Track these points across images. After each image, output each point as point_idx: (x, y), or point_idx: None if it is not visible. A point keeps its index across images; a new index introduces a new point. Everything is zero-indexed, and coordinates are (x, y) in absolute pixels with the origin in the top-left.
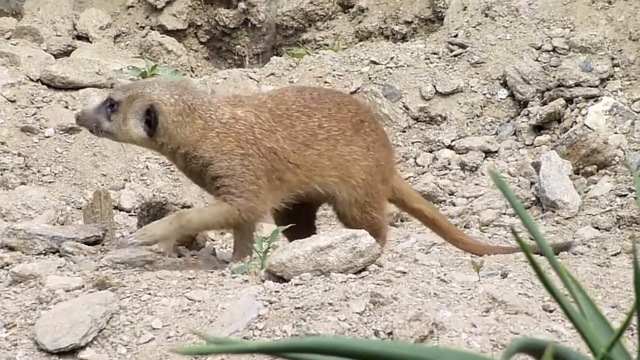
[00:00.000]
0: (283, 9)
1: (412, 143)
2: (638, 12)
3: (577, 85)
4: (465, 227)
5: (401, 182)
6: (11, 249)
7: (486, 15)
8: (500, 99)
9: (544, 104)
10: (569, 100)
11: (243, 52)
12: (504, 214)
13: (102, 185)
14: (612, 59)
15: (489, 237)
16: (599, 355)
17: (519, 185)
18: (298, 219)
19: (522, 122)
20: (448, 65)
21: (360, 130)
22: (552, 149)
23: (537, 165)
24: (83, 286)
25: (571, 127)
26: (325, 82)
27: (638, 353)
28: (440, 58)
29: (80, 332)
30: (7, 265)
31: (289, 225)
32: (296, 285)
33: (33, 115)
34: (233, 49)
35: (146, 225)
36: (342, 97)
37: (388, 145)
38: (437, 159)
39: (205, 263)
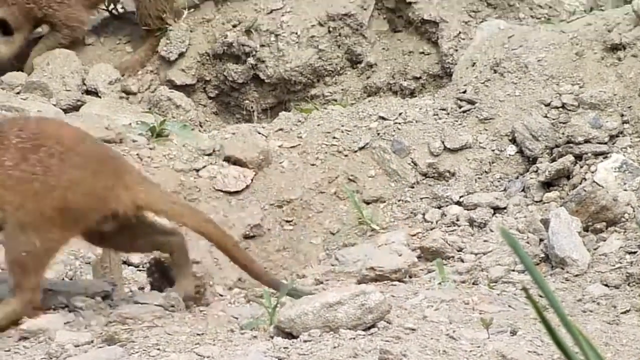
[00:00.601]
0: (291, 64)
1: (421, 199)
2: None
3: (587, 141)
4: (473, 283)
5: None
6: None
7: (495, 72)
8: (509, 155)
9: (553, 160)
10: (578, 157)
11: (251, 107)
12: (513, 270)
13: None
14: (622, 115)
15: (498, 294)
16: None
17: (527, 242)
18: None
19: (531, 178)
20: (457, 121)
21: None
22: (561, 206)
23: (546, 222)
24: (92, 341)
25: (580, 183)
26: (334, 137)
27: None
28: (448, 114)
29: None
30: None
31: None
32: (305, 341)
33: None
34: (242, 104)
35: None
36: None
37: None
38: (445, 215)
39: (213, 319)
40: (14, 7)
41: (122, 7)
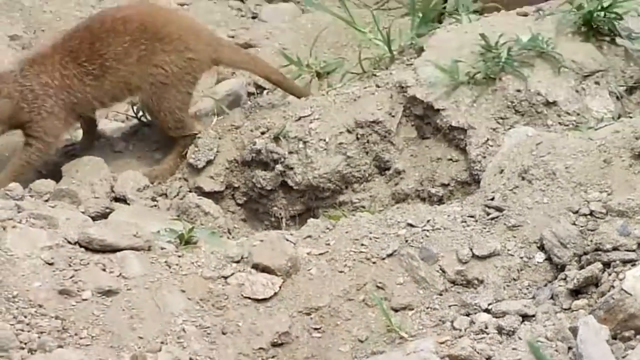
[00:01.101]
0: (320, 171)
1: (449, 306)
2: None
3: (615, 249)
4: None
5: None
6: None
7: (523, 179)
8: (538, 262)
9: (581, 267)
10: (607, 265)
11: (280, 213)
12: None
13: (139, 347)
14: None
15: None
16: None
17: (556, 350)
18: None
19: (560, 286)
20: (485, 228)
21: None
22: (589, 314)
23: (574, 330)
24: None
25: (609, 291)
26: (362, 245)
27: None
28: (477, 221)
29: None
30: None
31: None
32: None
33: (71, 278)
34: (270, 211)
35: None
36: None
37: None
38: (474, 323)
39: None
40: (4, 101)
41: None
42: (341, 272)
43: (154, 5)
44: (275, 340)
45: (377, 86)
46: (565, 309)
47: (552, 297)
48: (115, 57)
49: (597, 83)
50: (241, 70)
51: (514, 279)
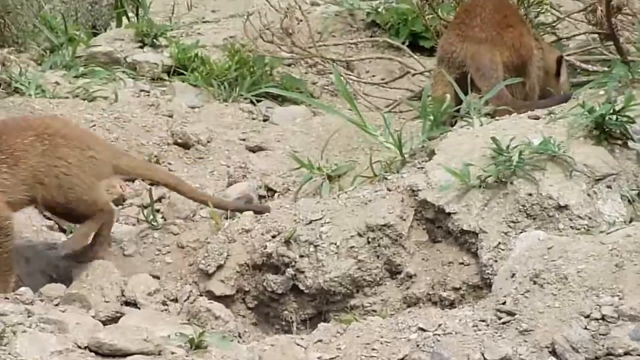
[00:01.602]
0: (331, 275)
1: None
2: None
3: (627, 354)
4: None
5: None
6: None
7: (535, 283)
8: None
9: None
10: None
11: (291, 317)
12: None
13: None
14: None
15: None
16: None
17: None
18: None
19: None
20: (496, 332)
21: None
22: None
23: None
24: None
25: None
26: (373, 349)
27: None
28: (488, 325)
29: None
30: None
31: None
32: None
33: None
34: (281, 315)
35: None
36: None
37: None
38: None
39: None
40: None
41: (162, 217)
42: None
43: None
44: None
45: (388, 189)
46: None
47: None
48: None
49: (609, 187)
50: (140, 178)
51: None
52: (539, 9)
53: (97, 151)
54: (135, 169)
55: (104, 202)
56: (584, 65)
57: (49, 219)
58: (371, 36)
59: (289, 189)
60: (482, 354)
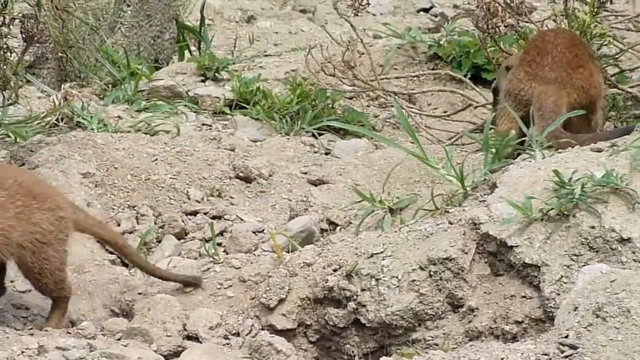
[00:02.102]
0: (392, 309)
1: None
2: None
3: None
4: None
5: None
6: None
7: (597, 316)
8: None
9: None
10: None
11: (352, 351)
12: None
13: None
14: None
15: None
16: None
17: None
18: None
19: None
20: None
21: None
22: None
23: None
24: None
25: None
26: None
27: None
28: (551, 359)
29: None
30: None
31: None
32: None
33: None
34: (342, 349)
35: None
36: None
37: None
38: None
39: None
40: None
41: (224, 251)
42: None
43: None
44: None
45: (450, 223)
46: None
47: None
48: None
49: None
50: (90, 235)
51: None
52: (601, 41)
53: (64, 210)
54: (89, 225)
55: (69, 288)
56: None
57: (111, 253)
58: (433, 69)
59: (350, 222)
60: None
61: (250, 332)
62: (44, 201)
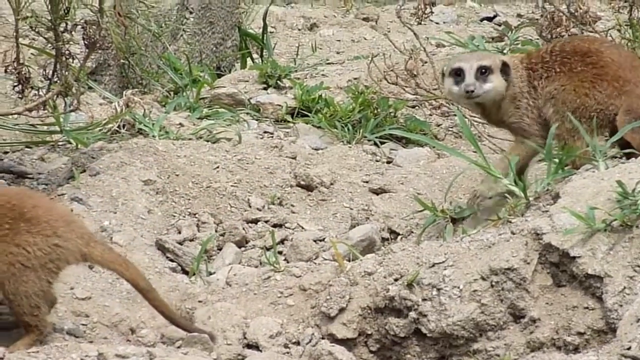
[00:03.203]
0: (454, 319)
1: None
2: None
3: None
4: None
5: None
6: None
7: None
8: None
9: None
10: None
11: None
12: None
13: None
14: None
15: None
16: None
17: None
18: None
19: None
20: None
21: None
22: None
23: None
24: None
25: None
26: None
27: None
28: None
29: None
30: None
31: None
32: None
33: None
34: (403, 358)
35: None
36: None
37: None
38: None
39: None
40: None
41: (285, 260)
42: None
43: (27, 190)
44: None
45: (512, 233)
46: None
47: None
48: None
49: None
50: (110, 270)
51: None
52: None
53: (64, 239)
54: (106, 260)
55: (44, 322)
56: None
57: (172, 260)
58: None
59: (412, 232)
60: None
61: (310, 341)
62: (37, 225)
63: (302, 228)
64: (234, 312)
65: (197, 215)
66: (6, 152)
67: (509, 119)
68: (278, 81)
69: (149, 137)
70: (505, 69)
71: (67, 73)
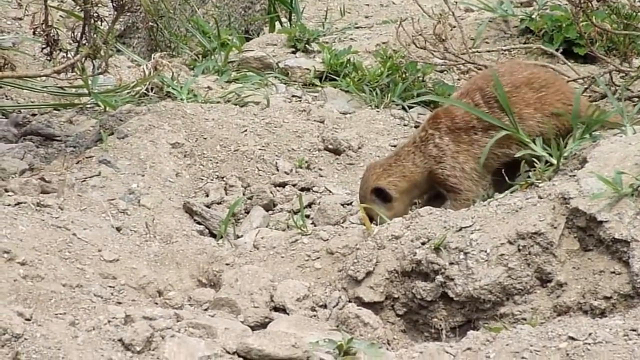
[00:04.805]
0: (481, 283)
1: None
2: None
3: None
4: None
5: None
6: None
7: None
8: None
9: None
10: None
11: (440, 325)
12: None
13: None
14: None
15: None
16: None
17: None
18: None
19: None
20: None
21: None
22: None
23: None
24: None
25: None
26: (523, 358)
27: None
28: (639, 335)
29: None
30: None
31: None
32: None
33: None
34: (430, 322)
35: None
36: None
37: None
38: None
39: None
40: None
41: (312, 223)
42: None
43: None
44: None
45: (540, 197)
46: None
47: None
48: None
49: None
50: None
51: None
52: None
53: None
54: None
55: None
56: None
57: (199, 223)
58: (525, 43)
59: None
60: None
61: (337, 305)
62: None
63: (330, 192)
64: (261, 275)
65: (224, 179)
66: (34, 115)
67: None
68: (306, 45)
69: (177, 100)
70: None
71: (95, 35)
